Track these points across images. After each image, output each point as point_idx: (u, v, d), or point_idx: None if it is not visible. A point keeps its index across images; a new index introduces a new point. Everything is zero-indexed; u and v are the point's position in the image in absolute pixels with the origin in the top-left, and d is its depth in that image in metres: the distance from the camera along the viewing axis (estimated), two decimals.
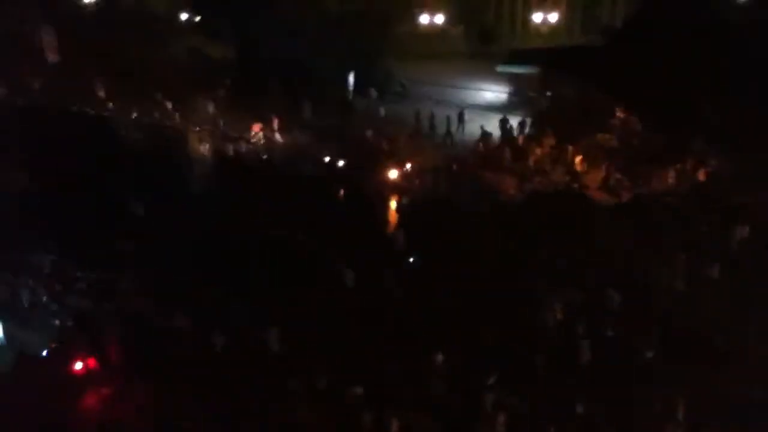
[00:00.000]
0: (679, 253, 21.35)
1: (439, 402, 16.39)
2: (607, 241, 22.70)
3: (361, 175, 29.02)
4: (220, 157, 31.60)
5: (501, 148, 31.42)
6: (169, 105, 36.55)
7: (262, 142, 33.01)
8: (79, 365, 17.08)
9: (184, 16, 48.06)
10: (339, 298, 20.15)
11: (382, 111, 36.33)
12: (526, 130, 33.18)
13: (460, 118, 33.73)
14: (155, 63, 40.40)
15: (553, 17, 47.80)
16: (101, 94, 37.96)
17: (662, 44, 31.04)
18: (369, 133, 32.65)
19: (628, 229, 23.27)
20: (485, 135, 32.15)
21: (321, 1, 44.62)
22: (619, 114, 32.97)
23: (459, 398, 16.48)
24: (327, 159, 30.61)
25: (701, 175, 27.69)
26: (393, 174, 28.92)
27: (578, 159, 29.62)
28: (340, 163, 30.26)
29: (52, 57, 42.26)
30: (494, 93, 39.16)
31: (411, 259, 22.27)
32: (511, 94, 38.69)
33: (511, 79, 39.33)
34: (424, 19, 47.46)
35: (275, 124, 33.82)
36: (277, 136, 33.53)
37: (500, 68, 39.81)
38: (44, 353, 18.14)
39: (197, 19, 47.20)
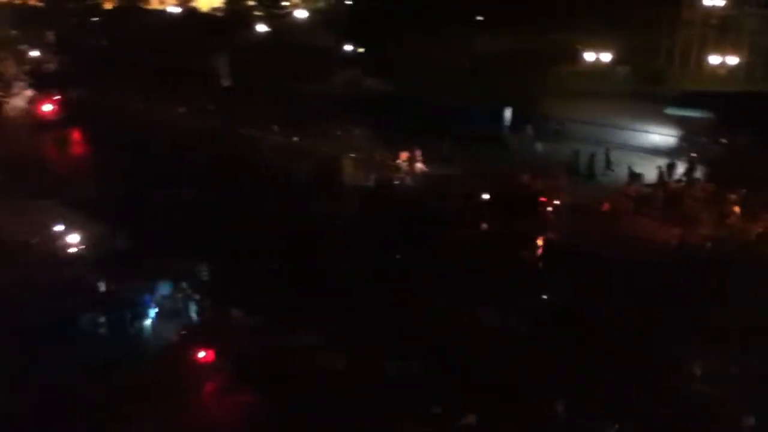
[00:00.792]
0: None
1: None
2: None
3: (508, 210, 27.91)
4: (371, 182, 31.82)
5: (658, 193, 29.33)
6: (327, 131, 37.66)
7: (410, 171, 33.03)
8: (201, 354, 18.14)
9: (347, 49, 49.81)
10: (468, 333, 19.33)
11: (538, 148, 35.05)
12: (694, 176, 30.70)
13: (608, 159, 32.15)
14: (317, 91, 42.03)
15: (732, 60, 44.43)
16: (266, 117, 39.82)
17: None
18: (520, 169, 31.61)
19: None
20: (635, 176, 30.21)
21: (478, 38, 44.86)
22: None
23: None
24: (472, 192, 29.78)
25: None
26: (541, 211, 27.82)
27: (741, 211, 26.95)
28: (485, 196, 29.42)
29: (225, 82, 45.45)
30: (661, 136, 36.77)
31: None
32: (680, 139, 36.14)
33: (680, 122, 36.87)
34: (589, 56, 45.80)
35: (423, 154, 33.63)
36: (424, 167, 33.32)
37: (669, 111, 37.55)
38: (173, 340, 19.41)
39: (359, 51, 48.76)
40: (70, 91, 44.07)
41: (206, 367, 18.11)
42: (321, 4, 61.25)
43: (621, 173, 31.55)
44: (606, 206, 28.30)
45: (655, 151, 34.57)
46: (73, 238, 24.56)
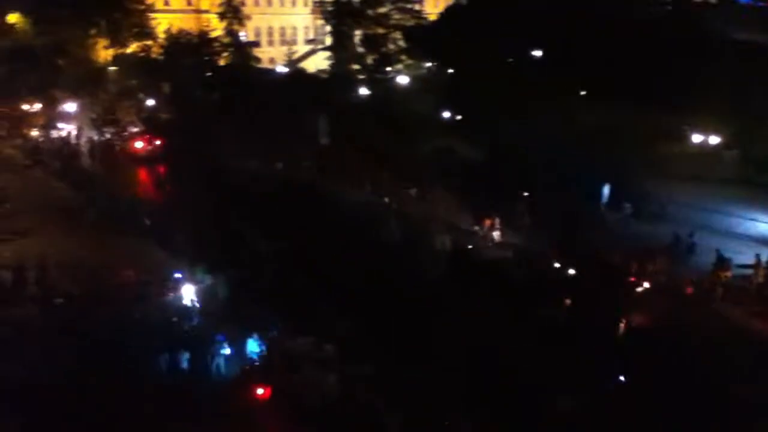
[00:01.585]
0: None
1: None
2: None
3: (594, 288, 26.79)
4: (456, 248, 31.43)
5: (753, 281, 27.57)
6: (416, 194, 37.78)
7: (491, 239, 32.73)
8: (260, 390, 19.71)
9: (444, 116, 50.21)
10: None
11: (635, 228, 33.70)
12: None
13: (692, 244, 30.27)
14: (411, 155, 42.39)
15: None
16: (360, 177, 40.42)
17: None
18: (612, 247, 30.42)
19: None
20: (726, 262, 28.12)
21: (579, 110, 44.20)
22: None
23: None
24: (558, 265, 28.98)
25: None
26: (629, 292, 26.78)
27: None
28: (571, 271, 28.42)
29: (323, 140, 46.64)
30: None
31: None
32: None
33: None
34: (696, 138, 44.08)
35: (511, 223, 33.38)
36: (505, 236, 32.93)
37: None
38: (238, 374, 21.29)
39: (456, 119, 49.04)
40: (176, 138, 46.82)
41: (260, 404, 19.41)
42: (423, 71, 62.46)
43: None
44: (690, 290, 27.20)
45: (761, 240, 32.46)
46: (169, 281, 25.66)
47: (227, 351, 21.64)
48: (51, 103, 55.01)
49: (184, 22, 75.64)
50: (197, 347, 21.67)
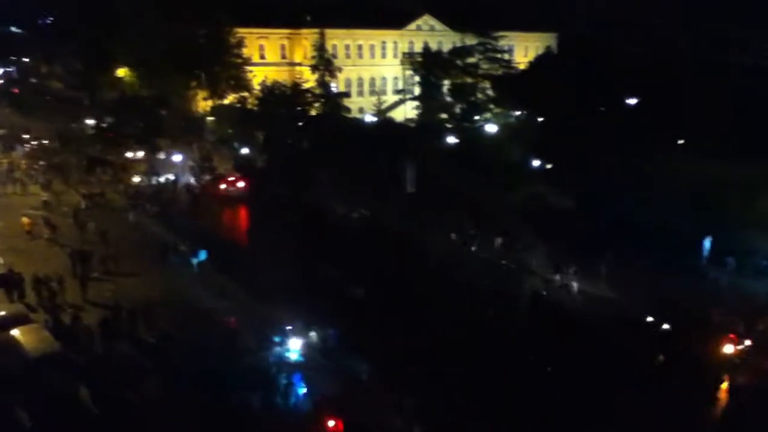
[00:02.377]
0: None
1: None
2: None
3: (687, 344, 25.70)
4: (538, 297, 31.10)
5: None
6: (502, 242, 37.27)
7: (572, 288, 32.12)
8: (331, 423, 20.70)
9: (534, 164, 49.45)
10: None
11: (737, 283, 31.81)
12: None
13: None
14: (500, 204, 41.84)
15: None
16: (446, 225, 40.13)
17: None
18: (712, 303, 28.88)
19: None
20: None
21: (678, 163, 42.60)
22: None
23: None
24: (650, 319, 27.93)
25: None
26: (727, 349, 25.48)
27: None
28: (665, 326, 27.27)
29: (410, 188, 46.75)
30: None
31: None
32: None
33: None
34: None
35: (599, 273, 32.61)
36: (589, 285, 32.20)
37: None
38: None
39: (546, 167, 48.21)
40: (269, 184, 48.34)
41: None
42: (511, 120, 62.12)
43: None
44: None
45: None
46: (275, 332, 26.00)
47: (304, 389, 22.85)
48: (152, 151, 57.82)
49: (279, 74, 78.47)
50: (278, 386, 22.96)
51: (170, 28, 68.53)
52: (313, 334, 25.94)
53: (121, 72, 79.42)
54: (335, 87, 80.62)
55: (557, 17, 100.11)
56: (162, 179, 53.06)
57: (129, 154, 57.87)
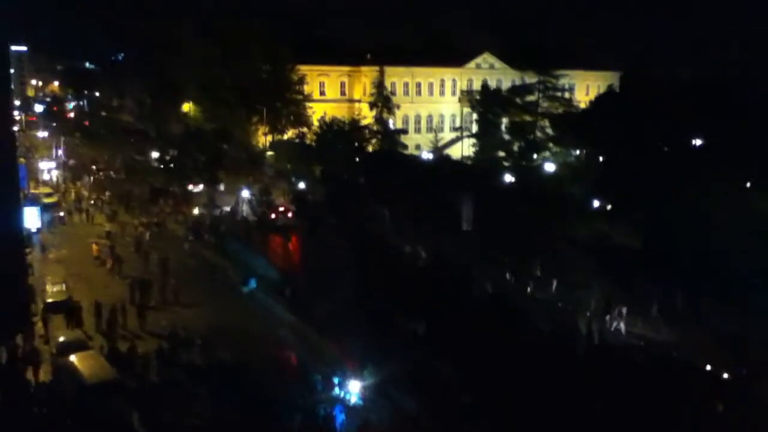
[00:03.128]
0: None
1: None
2: None
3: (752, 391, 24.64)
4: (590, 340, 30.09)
5: None
6: (556, 284, 36.39)
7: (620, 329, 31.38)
8: None
9: (595, 204, 48.36)
10: None
11: None
12: None
13: None
14: (561, 243, 40.87)
15: None
16: (504, 264, 39.41)
17: None
18: None
19: None
20: None
21: (747, 202, 41.06)
22: None
23: None
24: (710, 368, 26.85)
25: None
26: None
27: None
28: (725, 375, 26.09)
29: (466, 225, 46.14)
30: None
31: None
32: None
33: None
34: None
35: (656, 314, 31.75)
36: (645, 327, 31.46)
37: None
38: None
39: (608, 207, 47.06)
40: (324, 218, 48.62)
41: None
42: (571, 159, 61.19)
43: None
44: None
45: None
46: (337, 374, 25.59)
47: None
48: (213, 183, 59.01)
49: (338, 110, 79.57)
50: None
51: (235, 64, 70.50)
52: (370, 374, 25.26)
53: (187, 106, 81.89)
54: (393, 123, 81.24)
55: (620, 55, 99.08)
56: (221, 211, 53.98)
57: (190, 186, 59.19)
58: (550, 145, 65.07)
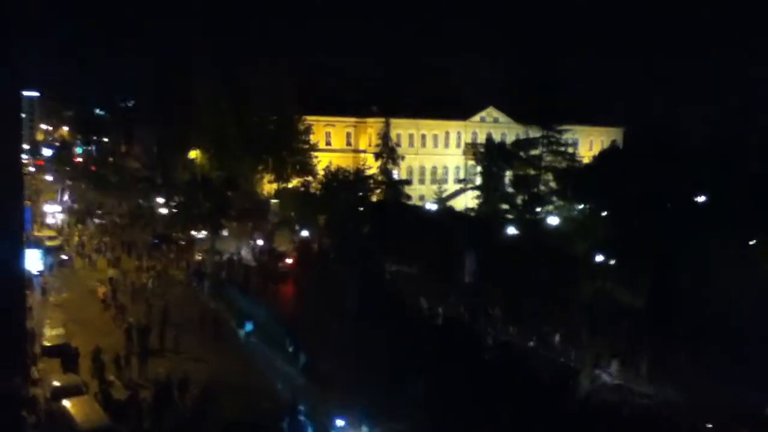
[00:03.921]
0: None
1: None
2: None
3: None
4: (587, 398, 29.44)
5: None
6: (560, 339, 36.10)
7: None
8: None
9: (598, 259, 48.10)
10: None
11: None
12: None
13: None
14: (562, 299, 40.66)
15: None
16: (502, 318, 39.20)
17: None
18: None
19: None
20: None
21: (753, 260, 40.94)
22: None
23: None
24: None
25: None
26: None
27: None
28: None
29: (468, 278, 45.97)
30: None
31: None
32: None
33: None
34: None
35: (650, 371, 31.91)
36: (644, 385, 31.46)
37: None
38: None
39: (611, 263, 46.83)
40: (326, 266, 48.52)
41: None
42: (574, 213, 61.13)
43: None
44: None
45: None
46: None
47: None
48: (216, 230, 59.07)
49: (343, 160, 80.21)
50: None
51: (243, 114, 71.44)
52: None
53: (193, 154, 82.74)
54: (397, 174, 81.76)
55: (624, 112, 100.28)
56: (223, 257, 53.92)
57: (193, 232, 59.26)
58: (554, 198, 65.15)
